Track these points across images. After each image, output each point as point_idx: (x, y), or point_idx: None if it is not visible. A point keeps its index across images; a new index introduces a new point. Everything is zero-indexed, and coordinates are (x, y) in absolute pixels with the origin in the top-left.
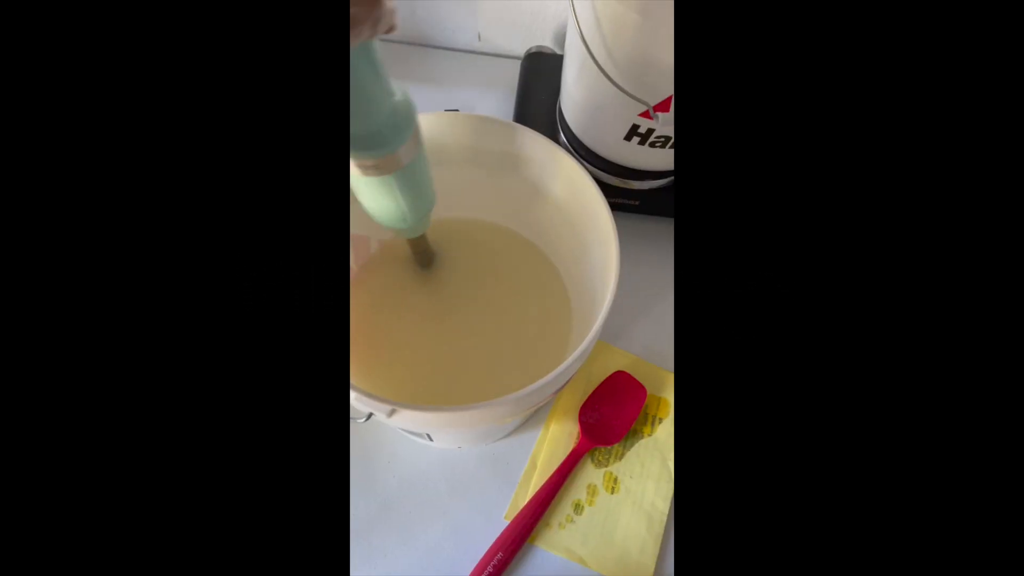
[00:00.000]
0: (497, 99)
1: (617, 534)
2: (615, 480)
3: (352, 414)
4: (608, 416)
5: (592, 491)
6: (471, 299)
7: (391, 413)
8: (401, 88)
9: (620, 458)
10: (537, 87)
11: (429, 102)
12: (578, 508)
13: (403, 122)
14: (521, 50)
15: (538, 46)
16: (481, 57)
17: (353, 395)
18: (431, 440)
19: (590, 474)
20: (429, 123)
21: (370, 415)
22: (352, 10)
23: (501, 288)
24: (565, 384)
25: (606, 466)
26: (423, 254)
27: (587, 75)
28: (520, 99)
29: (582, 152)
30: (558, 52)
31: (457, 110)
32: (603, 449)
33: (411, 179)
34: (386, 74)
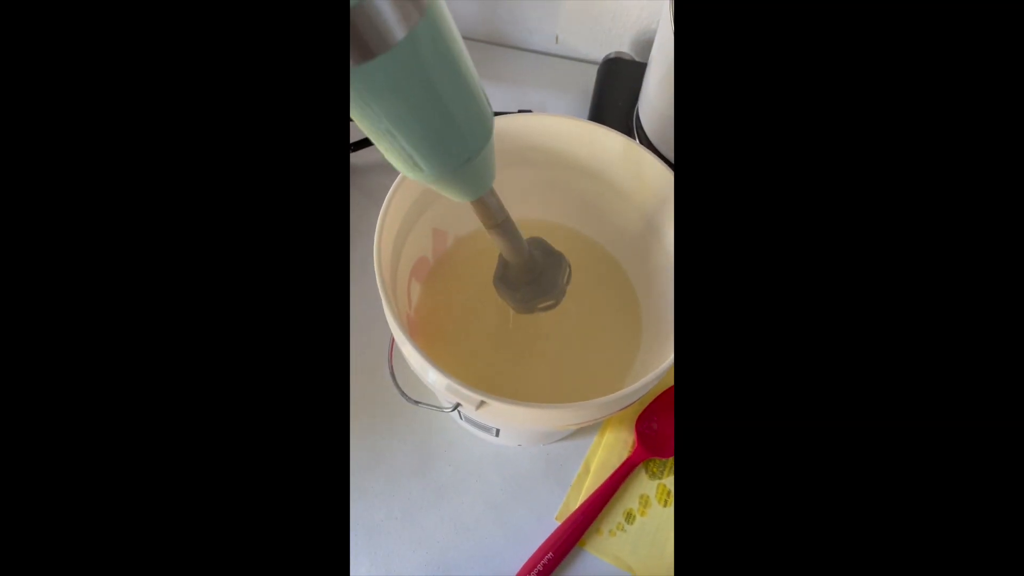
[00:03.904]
0: (571, 102)
1: (668, 548)
2: (668, 494)
3: (435, 403)
4: (666, 428)
5: (645, 502)
6: None
7: (479, 405)
8: None
9: (675, 472)
10: (613, 93)
11: (503, 102)
12: (630, 517)
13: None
14: (598, 55)
15: (617, 51)
16: (557, 60)
17: (444, 384)
18: (496, 436)
19: (644, 485)
20: (504, 124)
21: (457, 405)
22: None
23: (570, 291)
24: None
25: (660, 478)
26: (505, 245)
27: (673, 83)
28: (596, 104)
29: (658, 157)
30: (637, 59)
31: (530, 111)
32: (658, 461)
33: (423, 73)
34: None
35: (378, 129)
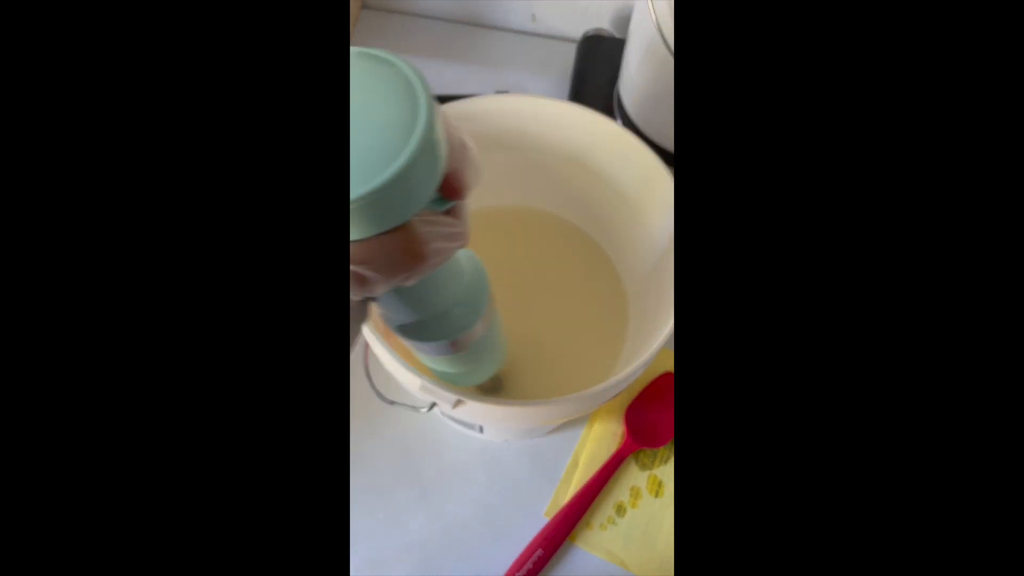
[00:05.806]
0: (550, 82)
1: (660, 540)
2: (659, 484)
3: (413, 403)
4: (655, 418)
5: (635, 494)
6: (522, 291)
7: (456, 404)
8: (471, 256)
9: (665, 462)
10: (593, 71)
11: (480, 83)
12: (620, 510)
13: (476, 298)
14: (576, 33)
15: (596, 29)
16: (535, 39)
17: (418, 384)
18: (481, 432)
19: (634, 476)
20: (480, 106)
21: (433, 405)
22: (364, 274)
23: (553, 279)
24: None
25: (651, 469)
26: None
27: (653, 60)
28: (575, 83)
29: (641, 140)
30: (617, 36)
31: (507, 91)
32: (648, 451)
33: (475, 354)
34: (457, 256)
35: (444, 366)
